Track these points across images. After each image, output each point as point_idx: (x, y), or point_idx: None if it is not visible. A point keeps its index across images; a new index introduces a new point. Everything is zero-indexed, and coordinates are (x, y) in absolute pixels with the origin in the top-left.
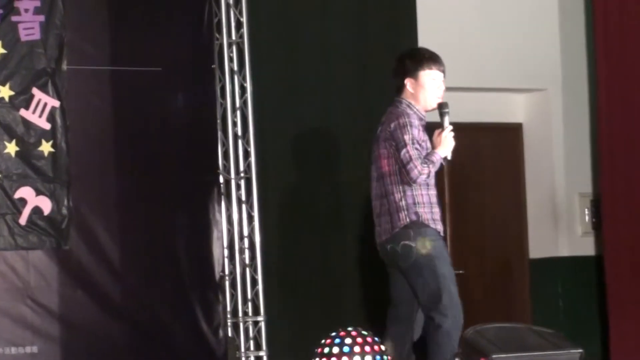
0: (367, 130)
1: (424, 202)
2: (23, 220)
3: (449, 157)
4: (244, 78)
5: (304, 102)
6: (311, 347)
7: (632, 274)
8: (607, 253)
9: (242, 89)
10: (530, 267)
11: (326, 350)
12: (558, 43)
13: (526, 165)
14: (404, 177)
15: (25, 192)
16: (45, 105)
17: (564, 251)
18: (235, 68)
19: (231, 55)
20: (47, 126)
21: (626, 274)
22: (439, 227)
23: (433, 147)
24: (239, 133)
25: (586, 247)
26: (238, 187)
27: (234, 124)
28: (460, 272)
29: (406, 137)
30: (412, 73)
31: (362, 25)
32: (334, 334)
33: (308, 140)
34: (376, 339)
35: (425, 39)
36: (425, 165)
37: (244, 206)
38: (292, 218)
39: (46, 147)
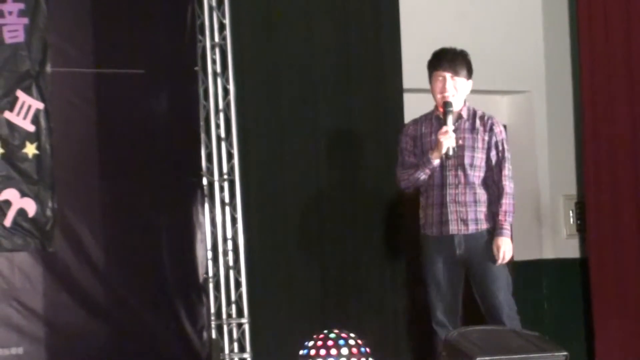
0: (350, 132)
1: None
2: (8, 222)
3: (450, 154)
4: (226, 80)
5: (287, 104)
6: (295, 349)
7: (617, 276)
8: (592, 255)
9: (225, 91)
10: (515, 270)
11: (311, 352)
12: (542, 45)
13: None
14: None
15: (9, 194)
16: (29, 107)
17: (549, 254)
18: (218, 70)
19: (214, 57)
20: (31, 128)
21: (611, 276)
22: (429, 230)
23: None
24: (222, 135)
25: (571, 249)
26: (221, 189)
27: (217, 126)
28: None
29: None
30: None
31: (345, 28)
32: (321, 336)
33: (291, 142)
34: (360, 341)
35: (408, 42)
36: (404, 172)
37: (227, 208)
38: (275, 220)
39: (30, 149)
